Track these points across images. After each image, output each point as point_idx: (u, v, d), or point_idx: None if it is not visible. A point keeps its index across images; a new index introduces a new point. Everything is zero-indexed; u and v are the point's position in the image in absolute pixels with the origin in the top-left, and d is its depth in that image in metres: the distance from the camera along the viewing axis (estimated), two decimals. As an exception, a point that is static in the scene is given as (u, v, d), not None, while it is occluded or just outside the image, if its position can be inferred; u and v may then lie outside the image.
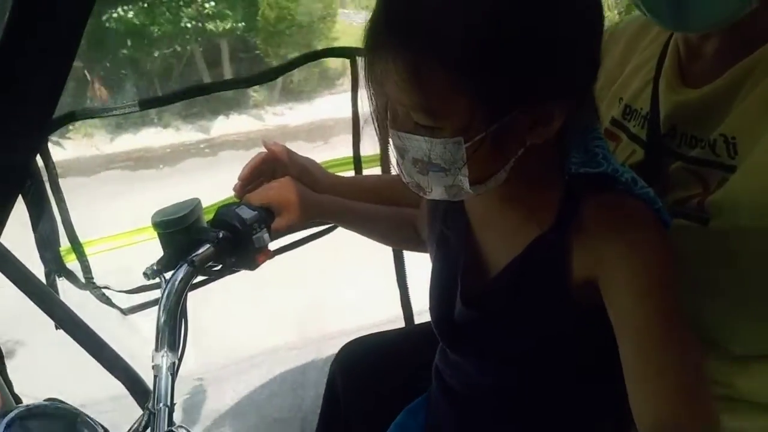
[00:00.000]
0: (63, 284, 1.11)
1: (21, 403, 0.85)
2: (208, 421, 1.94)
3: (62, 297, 1.01)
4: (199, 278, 0.98)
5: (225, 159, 4.71)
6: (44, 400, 0.61)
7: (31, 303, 0.94)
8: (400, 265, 1.44)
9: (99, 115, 1.11)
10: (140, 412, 0.68)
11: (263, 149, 0.92)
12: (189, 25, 5.87)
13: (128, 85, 5.77)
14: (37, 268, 1.04)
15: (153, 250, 0.84)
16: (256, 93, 6.00)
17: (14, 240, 0.93)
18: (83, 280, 1.16)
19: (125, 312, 1.21)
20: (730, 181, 0.66)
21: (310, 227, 1.27)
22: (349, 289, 2.61)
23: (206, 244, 0.80)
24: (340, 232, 1.04)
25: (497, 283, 0.70)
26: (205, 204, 0.87)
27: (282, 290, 2.59)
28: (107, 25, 5.59)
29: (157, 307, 0.75)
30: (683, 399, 0.54)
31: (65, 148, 5.00)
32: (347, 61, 1.25)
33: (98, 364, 0.88)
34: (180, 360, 0.74)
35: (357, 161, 1.33)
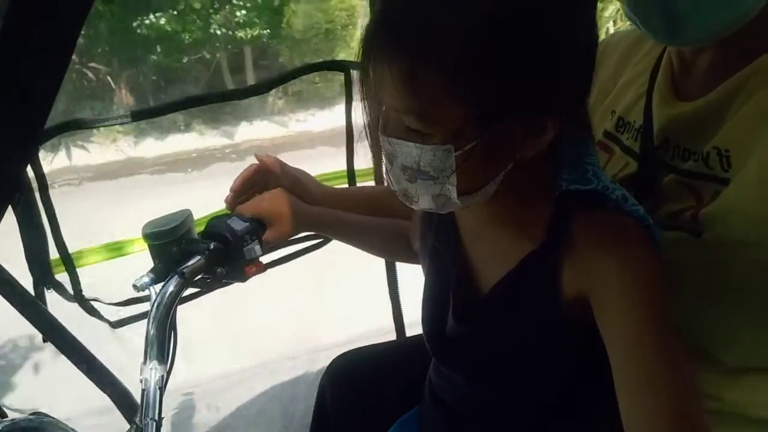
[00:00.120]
0: (51, 296, 1.10)
1: (6, 417, 0.84)
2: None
3: (50, 309, 0.99)
4: (190, 291, 0.97)
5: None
6: (29, 414, 0.60)
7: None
8: (393, 278, 1.44)
9: (92, 126, 1.11)
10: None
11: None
12: (219, 33, 5.95)
13: (155, 90, 5.80)
14: (25, 278, 1.03)
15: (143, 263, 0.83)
16: (279, 100, 6.08)
17: (2, 250, 0.92)
18: (72, 292, 1.15)
19: (114, 325, 1.20)
20: (723, 194, 0.66)
21: (302, 239, 1.27)
22: (342, 300, 2.60)
23: (197, 256, 0.80)
24: (333, 244, 1.04)
25: (489, 298, 0.70)
26: (196, 216, 0.87)
27: (273, 301, 2.58)
28: (138, 31, 5.65)
29: (146, 320, 0.74)
30: (676, 417, 0.54)
31: (90, 152, 5.06)
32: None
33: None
34: (169, 373, 0.73)
35: (351, 175, 1.33)
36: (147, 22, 5.76)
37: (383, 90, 0.59)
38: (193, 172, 4.72)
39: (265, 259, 0.87)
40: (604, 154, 0.84)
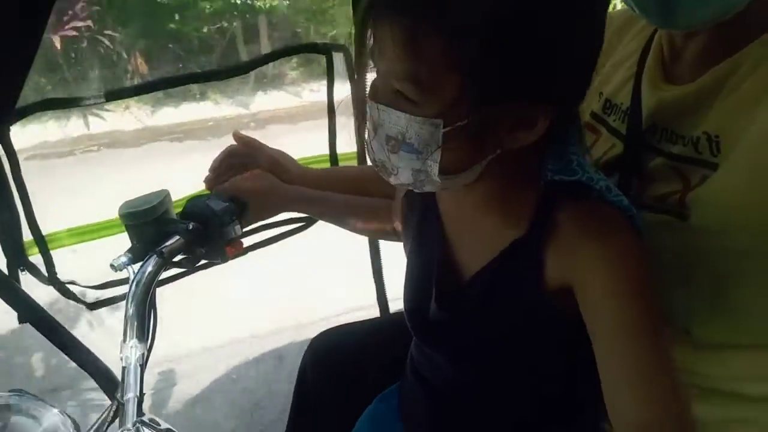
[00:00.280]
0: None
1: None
2: (178, 411, 1.92)
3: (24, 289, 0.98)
4: (171, 273, 0.97)
5: (273, 132, 4.68)
6: (9, 391, 0.60)
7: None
8: (376, 255, 1.44)
9: (66, 106, 1.09)
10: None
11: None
12: (238, 1, 5.82)
13: (171, 59, 5.70)
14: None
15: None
16: (293, 71, 6.02)
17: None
18: (46, 275, 1.14)
19: (91, 307, 1.19)
20: (711, 179, 0.66)
21: (284, 222, 1.27)
22: (326, 276, 2.61)
23: (176, 236, 0.80)
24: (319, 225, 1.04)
25: (471, 286, 0.71)
26: (175, 197, 0.86)
27: (258, 278, 2.59)
28: (157, -1, 5.53)
29: (123, 302, 0.74)
30: (661, 404, 0.54)
31: (106, 120, 5.01)
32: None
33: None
34: (149, 352, 0.74)
35: (333, 159, 1.33)
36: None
37: (381, 54, 0.58)
38: (213, 140, 4.69)
39: (246, 242, 0.87)
40: (591, 135, 0.83)
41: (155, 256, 0.76)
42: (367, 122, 0.63)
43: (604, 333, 0.58)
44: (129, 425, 0.60)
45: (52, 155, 4.48)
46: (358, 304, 2.21)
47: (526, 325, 0.67)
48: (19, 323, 0.87)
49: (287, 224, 1.29)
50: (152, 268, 0.76)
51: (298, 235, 1.29)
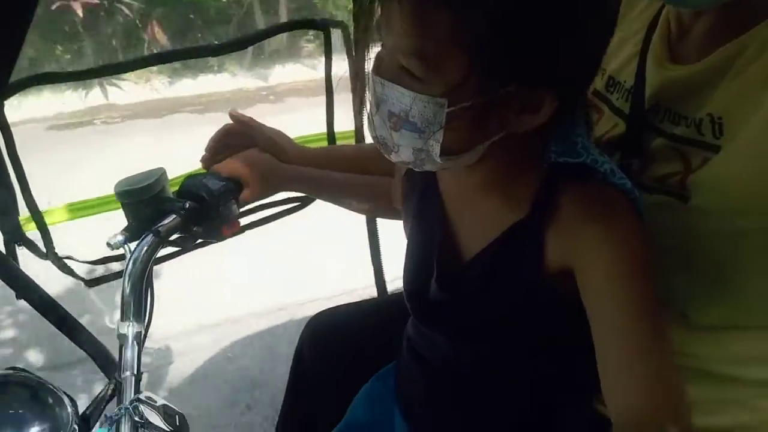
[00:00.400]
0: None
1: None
2: (174, 389, 1.95)
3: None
4: (167, 251, 0.97)
5: (291, 106, 4.75)
6: (7, 369, 0.61)
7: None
8: (374, 236, 1.44)
9: (60, 81, 1.08)
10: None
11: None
12: None
13: (189, 29, 5.67)
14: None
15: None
16: (309, 44, 5.98)
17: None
18: (44, 250, 1.14)
19: (88, 284, 1.20)
20: (713, 161, 0.66)
21: (281, 202, 1.27)
22: (324, 256, 2.62)
23: (172, 215, 0.79)
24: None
25: (472, 266, 0.71)
26: (170, 175, 0.86)
27: (255, 258, 2.60)
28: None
29: (120, 279, 0.74)
30: (657, 387, 0.54)
31: (125, 90, 5.03)
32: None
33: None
34: (146, 330, 0.74)
35: (331, 137, 1.32)
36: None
37: (388, 28, 0.57)
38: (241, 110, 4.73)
39: (244, 221, 0.87)
40: (593, 113, 0.82)
41: (151, 235, 0.76)
42: (370, 97, 0.62)
43: (603, 315, 0.58)
44: (127, 403, 0.60)
45: (72, 125, 4.50)
46: (356, 285, 2.22)
47: (526, 306, 0.67)
48: (17, 299, 0.88)
49: (284, 204, 1.29)
50: (148, 247, 0.75)
51: (295, 214, 1.29)
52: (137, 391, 0.63)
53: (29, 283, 0.82)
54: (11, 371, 0.60)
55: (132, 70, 1.19)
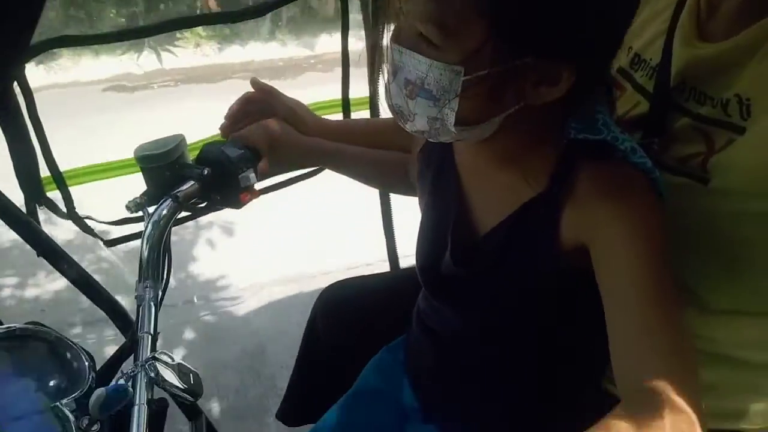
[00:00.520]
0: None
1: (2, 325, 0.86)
2: (189, 351, 2.00)
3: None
4: (183, 214, 0.98)
5: (339, 75, 4.84)
6: (26, 323, 0.62)
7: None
8: (387, 210, 1.44)
9: (81, 44, 1.08)
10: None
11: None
12: None
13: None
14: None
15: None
16: (359, 14, 6.02)
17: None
18: (64, 210, 1.15)
19: (107, 244, 1.21)
20: (737, 142, 0.65)
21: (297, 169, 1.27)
22: (339, 228, 2.64)
23: (191, 181, 0.80)
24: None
25: (486, 242, 0.71)
26: (189, 141, 0.86)
27: (270, 229, 2.63)
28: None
29: (139, 241, 0.76)
30: (669, 360, 0.53)
31: (177, 56, 5.13)
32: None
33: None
34: (164, 292, 0.75)
35: (345, 103, 1.31)
36: None
37: None
38: (287, 80, 4.80)
39: (259, 185, 0.87)
40: (615, 91, 0.79)
41: (170, 200, 0.77)
42: (388, 65, 0.62)
43: (617, 291, 0.58)
44: (143, 361, 0.62)
45: (130, 88, 4.59)
46: (368, 260, 2.24)
47: (539, 281, 0.67)
48: (37, 257, 0.90)
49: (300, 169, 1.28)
50: (167, 212, 0.77)
51: (313, 191, 1.27)
52: (153, 349, 0.65)
53: (49, 242, 0.84)
54: (31, 326, 0.62)
55: (156, 34, 1.19)
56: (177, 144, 0.81)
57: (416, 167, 0.84)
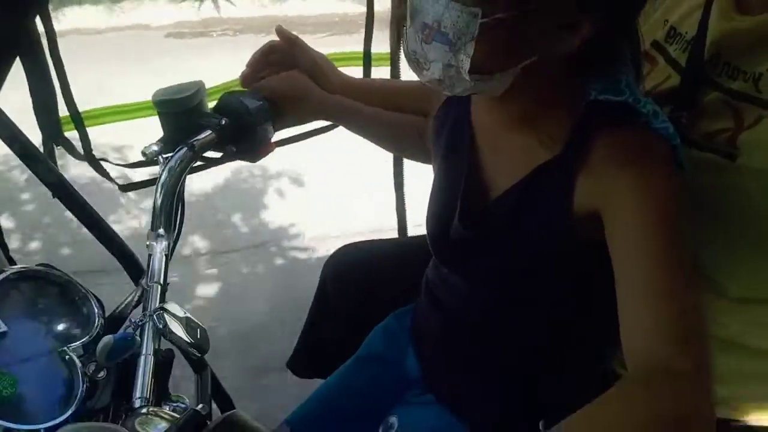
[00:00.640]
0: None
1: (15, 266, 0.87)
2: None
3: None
4: (198, 163, 0.97)
5: None
6: (37, 265, 0.62)
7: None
8: (399, 175, 1.42)
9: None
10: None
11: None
12: None
13: None
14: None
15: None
16: None
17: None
18: (81, 151, 1.15)
19: (122, 189, 1.21)
20: (766, 120, 0.64)
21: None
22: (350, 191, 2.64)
23: (208, 130, 0.78)
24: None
25: (497, 205, 0.69)
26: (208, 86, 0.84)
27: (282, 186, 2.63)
28: None
29: (153, 187, 0.74)
30: (678, 338, 0.50)
31: (235, 5, 5.10)
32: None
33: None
34: (175, 242, 0.75)
35: (367, 57, 1.27)
36: None
37: None
38: (342, 36, 4.78)
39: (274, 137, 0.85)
40: (647, 64, 0.79)
41: (186, 148, 0.75)
42: (407, 10, 0.61)
43: (629, 261, 0.56)
44: (151, 311, 0.61)
45: (189, 35, 4.64)
46: (378, 226, 2.24)
47: (548, 249, 0.66)
48: (53, 197, 0.89)
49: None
50: (182, 160, 0.75)
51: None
52: (162, 300, 0.65)
53: (65, 183, 0.83)
54: (42, 268, 0.61)
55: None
56: (196, 91, 0.79)
57: (432, 132, 0.82)
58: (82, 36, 4.36)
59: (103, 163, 1.17)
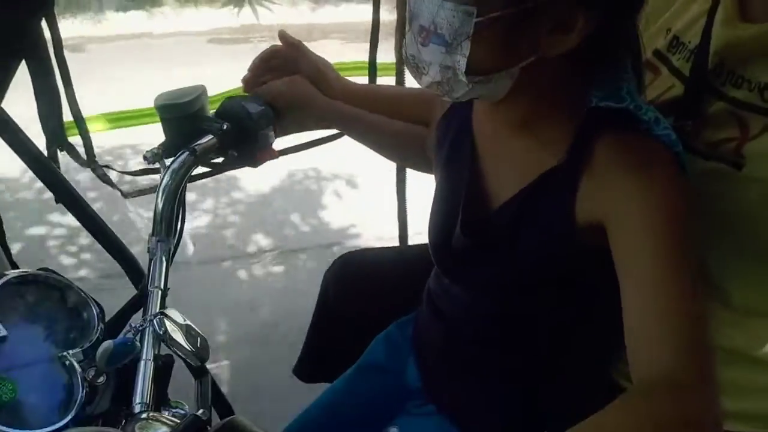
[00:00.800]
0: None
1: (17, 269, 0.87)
2: (202, 310, 2.01)
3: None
4: (200, 171, 0.97)
5: None
6: (38, 269, 0.62)
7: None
8: (401, 184, 1.43)
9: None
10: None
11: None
12: None
13: None
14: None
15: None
16: None
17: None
18: (85, 157, 1.15)
19: (126, 195, 1.22)
20: None
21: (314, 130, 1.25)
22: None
23: (209, 135, 0.78)
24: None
25: (499, 214, 0.69)
26: (210, 93, 0.84)
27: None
28: None
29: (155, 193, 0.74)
30: (684, 348, 0.50)
31: (273, 12, 5.30)
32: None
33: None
34: (176, 247, 0.74)
35: (372, 67, 1.28)
36: None
37: None
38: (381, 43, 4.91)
39: (277, 145, 0.85)
40: (650, 74, 0.79)
41: (187, 152, 0.75)
42: (407, 15, 0.61)
43: (635, 269, 0.55)
44: (150, 316, 0.61)
45: (230, 41, 4.78)
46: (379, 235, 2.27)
47: (550, 260, 0.65)
48: (56, 203, 0.89)
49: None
50: (184, 165, 0.75)
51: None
52: (162, 306, 0.64)
53: (68, 188, 0.83)
54: (42, 272, 0.61)
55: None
56: (198, 95, 0.79)
57: (434, 141, 0.81)
58: (127, 41, 4.43)
59: (105, 169, 1.18)
